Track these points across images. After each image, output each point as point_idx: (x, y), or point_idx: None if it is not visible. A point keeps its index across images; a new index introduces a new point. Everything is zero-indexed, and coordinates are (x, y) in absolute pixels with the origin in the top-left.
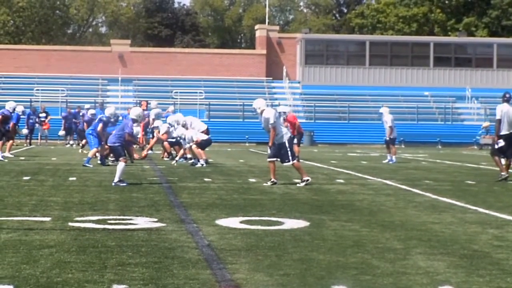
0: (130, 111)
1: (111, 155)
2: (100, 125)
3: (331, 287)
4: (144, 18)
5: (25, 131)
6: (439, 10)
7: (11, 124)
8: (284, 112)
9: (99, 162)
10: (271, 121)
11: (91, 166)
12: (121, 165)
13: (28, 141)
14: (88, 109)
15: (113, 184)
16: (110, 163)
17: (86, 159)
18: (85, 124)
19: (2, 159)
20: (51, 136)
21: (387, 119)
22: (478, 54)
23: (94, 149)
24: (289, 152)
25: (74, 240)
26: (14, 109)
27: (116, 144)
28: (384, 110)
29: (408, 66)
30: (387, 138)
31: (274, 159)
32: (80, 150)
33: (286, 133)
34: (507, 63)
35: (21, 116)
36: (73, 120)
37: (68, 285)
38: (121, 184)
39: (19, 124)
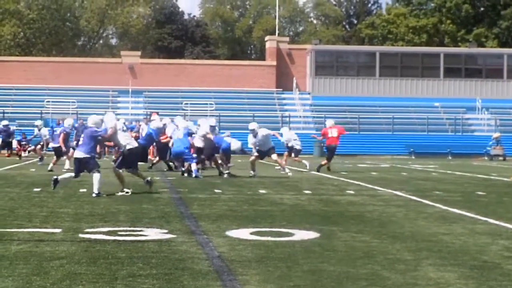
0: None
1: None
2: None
3: None
4: (154, 29)
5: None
6: (449, 21)
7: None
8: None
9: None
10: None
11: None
12: (96, 176)
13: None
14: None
15: (93, 195)
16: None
17: None
18: None
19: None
20: None
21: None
22: (488, 65)
23: None
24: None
25: (84, 251)
26: (73, 126)
27: (89, 156)
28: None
29: (418, 77)
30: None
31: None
32: None
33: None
34: None
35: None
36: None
37: None
38: (100, 194)
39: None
